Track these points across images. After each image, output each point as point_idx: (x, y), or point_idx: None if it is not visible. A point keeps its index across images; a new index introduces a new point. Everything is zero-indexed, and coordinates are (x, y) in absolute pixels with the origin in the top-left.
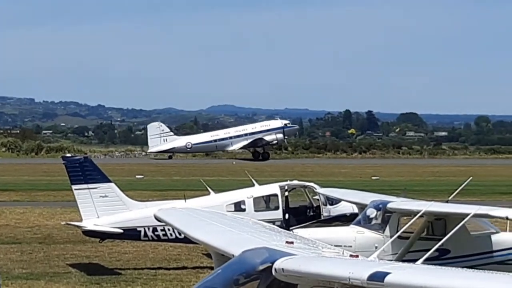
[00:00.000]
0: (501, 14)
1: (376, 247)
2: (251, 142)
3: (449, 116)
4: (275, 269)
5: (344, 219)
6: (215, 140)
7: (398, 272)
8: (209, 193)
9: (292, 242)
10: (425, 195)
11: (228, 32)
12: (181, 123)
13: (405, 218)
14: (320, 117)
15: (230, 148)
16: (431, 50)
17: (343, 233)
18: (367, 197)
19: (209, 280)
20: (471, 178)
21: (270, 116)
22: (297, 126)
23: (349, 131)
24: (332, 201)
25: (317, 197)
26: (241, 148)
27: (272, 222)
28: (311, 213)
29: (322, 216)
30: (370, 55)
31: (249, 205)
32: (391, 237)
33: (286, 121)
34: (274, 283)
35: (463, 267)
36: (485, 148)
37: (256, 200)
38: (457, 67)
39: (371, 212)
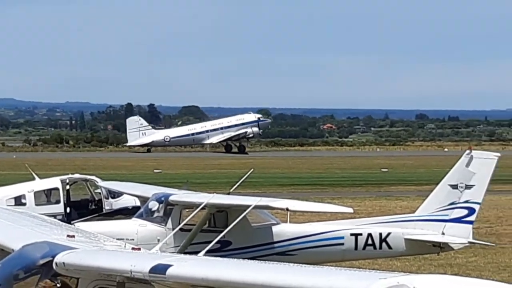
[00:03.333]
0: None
1: (158, 240)
2: (233, 136)
3: (230, 109)
4: (56, 263)
5: (127, 212)
6: (192, 134)
7: (180, 264)
8: None
9: (73, 236)
10: (207, 188)
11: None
12: None
13: (187, 210)
14: (101, 110)
15: (207, 141)
16: (213, 43)
17: (125, 226)
18: (149, 190)
19: None
20: (252, 170)
21: (52, 109)
22: (269, 120)
23: None
24: (114, 195)
25: (99, 190)
26: (219, 141)
27: (54, 216)
28: (93, 207)
29: (104, 209)
30: (152, 48)
31: (29, 199)
32: (173, 229)
33: (259, 115)
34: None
35: (245, 258)
36: (266, 141)
37: (37, 194)
38: (238, 61)
39: (153, 205)
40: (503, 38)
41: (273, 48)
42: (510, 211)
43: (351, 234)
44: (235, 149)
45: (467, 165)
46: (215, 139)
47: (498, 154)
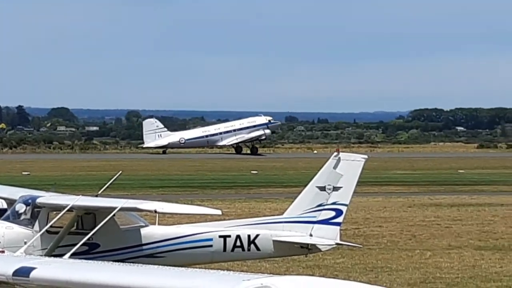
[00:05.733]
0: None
1: (25, 243)
2: (247, 138)
3: (100, 111)
4: None
5: None
6: (206, 136)
7: (44, 267)
8: None
9: None
10: (76, 190)
11: None
12: None
13: (54, 213)
14: None
15: (220, 143)
16: (82, 45)
17: None
18: (16, 192)
19: None
20: (121, 172)
21: None
22: (279, 122)
23: None
24: None
25: None
26: (233, 143)
27: None
28: None
29: None
30: (20, 49)
31: None
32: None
33: (270, 118)
34: None
35: (113, 260)
36: (136, 143)
37: None
38: (108, 63)
39: (20, 207)
40: (370, 41)
41: (143, 49)
42: (378, 213)
43: (220, 236)
44: (245, 151)
45: (335, 167)
46: (228, 141)
47: (366, 156)
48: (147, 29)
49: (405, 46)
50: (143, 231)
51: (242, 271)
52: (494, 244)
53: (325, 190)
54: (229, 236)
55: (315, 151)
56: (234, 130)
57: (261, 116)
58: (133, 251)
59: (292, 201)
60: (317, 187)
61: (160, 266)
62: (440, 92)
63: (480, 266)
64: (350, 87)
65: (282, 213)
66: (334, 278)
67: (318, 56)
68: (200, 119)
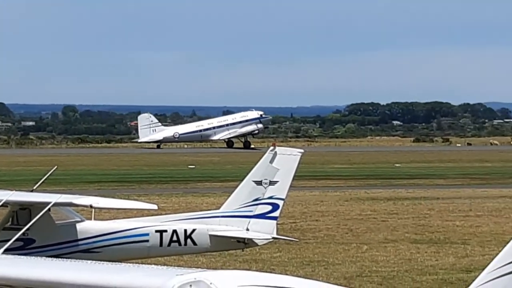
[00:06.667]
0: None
1: None
2: (240, 132)
3: (36, 106)
4: None
5: None
6: (200, 130)
7: None
8: None
9: None
10: (12, 185)
11: None
12: None
13: None
14: None
15: (214, 138)
16: (18, 40)
17: None
18: None
19: None
20: (56, 167)
21: None
22: (270, 117)
23: None
24: None
25: None
26: (226, 138)
27: None
28: None
29: None
30: None
31: None
32: None
33: (261, 112)
34: None
35: (48, 256)
36: (73, 138)
37: None
38: (44, 57)
39: None
40: (307, 36)
41: (80, 44)
42: (315, 207)
43: (156, 231)
44: (237, 145)
45: (271, 161)
46: (221, 135)
47: (302, 151)
48: (84, 24)
49: (341, 41)
50: (79, 226)
51: (178, 266)
52: (430, 237)
53: (261, 185)
54: (166, 231)
55: (252, 146)
56: (227, 125)
57: (252, 110)
58: (68, 246)
59: (229, 196)
60: (253, 181)
61: (94, 261)
62: (377, 87)
63: (416, 260)
64: (288, 82)
65: (219, 208)
66: (270, 272)
67: (255, 51)
68: (137, 114)
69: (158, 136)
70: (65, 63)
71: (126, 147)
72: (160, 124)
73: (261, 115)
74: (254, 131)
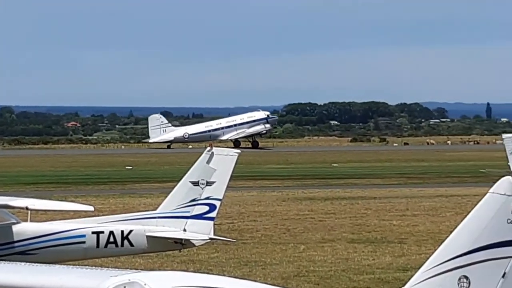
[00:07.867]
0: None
1: None
2: (249, 133)
3: None
4: None
5: None
6: (209, 131)
7: None
8: None
9: None
10: None
11: None
12: None
13: None
14: None
15: (223, 138)
16: None
17: None
18: None
19: None
20: None
21: None
22: (276, 117)
23: None
24: None
25: None
26: (234, 138)
27: None
28: None
29: None
30: None
31: None
32: None
33: (268, 113)
34: None
35: None
36: (9, 139)
37: None
38: None
39: None
40: (244, 37)
41: (15, 44)
42: (252, 207)
43: (93, 232)
44: (244, 144)
45: (208, 161)
46: (230, 135)
47: (239, 151)
48: (19, 23)
49: (278, 41)
50: (15, 228)
51: (115, 267)
52: (367, 237)
53: (198, 185)
54: (102, 232)
55: (190, 146)
56: (235, 125)
57: (259, 111)
58: (4, 248)
59: (166, 197)
60: (190, 182)
61: (29, 263)
62: (314, 87)
63: (353, 259)
64: (225, 82)
65: (156, 209)
66: (207, 273)
67: (193, 52)
68: (74, 115)
69: (169, 136)
70: (1, 64)
71: (63, 148)
72: (170, 124)
73: (268, 115)
74: (262, 131)
